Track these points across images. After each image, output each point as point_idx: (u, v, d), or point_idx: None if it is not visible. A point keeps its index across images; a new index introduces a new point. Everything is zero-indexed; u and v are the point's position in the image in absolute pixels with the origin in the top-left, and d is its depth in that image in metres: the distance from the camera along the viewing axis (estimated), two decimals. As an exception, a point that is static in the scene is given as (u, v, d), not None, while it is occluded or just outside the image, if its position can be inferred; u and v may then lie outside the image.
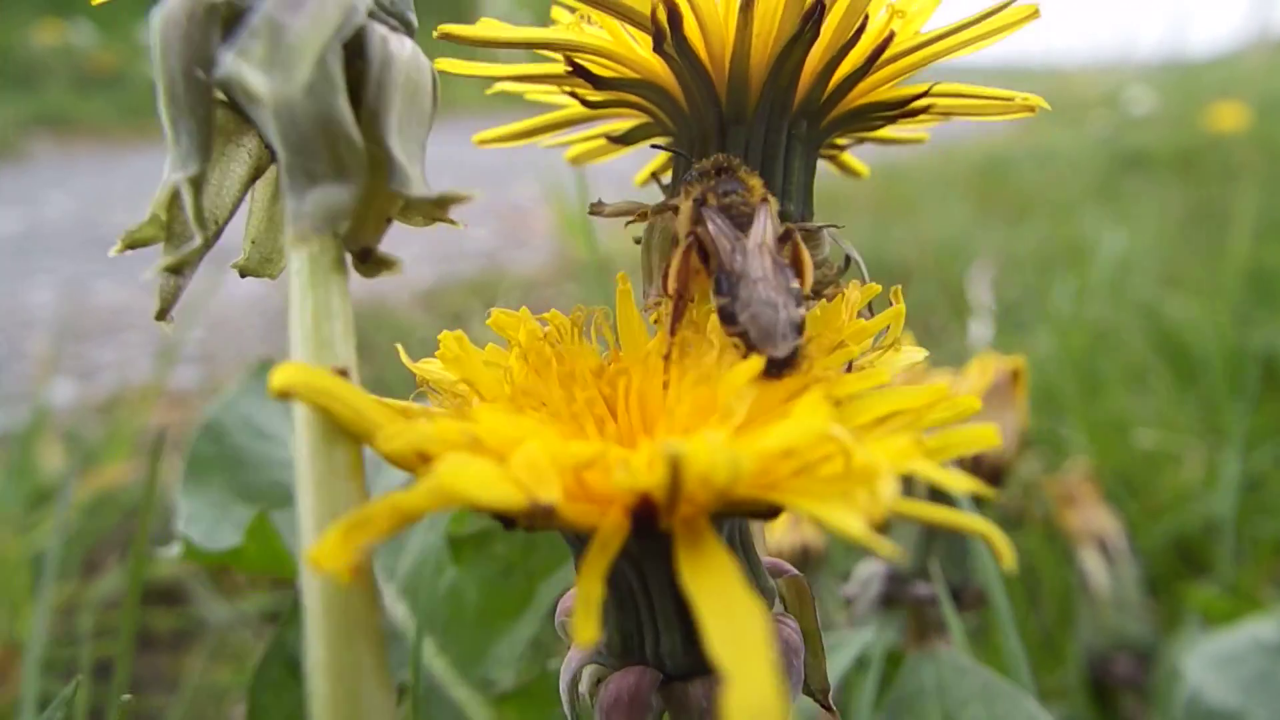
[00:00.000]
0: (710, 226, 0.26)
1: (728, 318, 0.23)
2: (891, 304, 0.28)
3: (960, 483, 0.18)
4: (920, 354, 0.26)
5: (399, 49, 0.22)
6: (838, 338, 0.24)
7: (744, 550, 0.24)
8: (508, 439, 0.19)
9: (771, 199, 0.27)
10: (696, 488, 0.17)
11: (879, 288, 0.26)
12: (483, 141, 0.34)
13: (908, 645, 0.64)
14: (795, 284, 0.24)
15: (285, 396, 0.19)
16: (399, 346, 0.27)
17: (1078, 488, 0.92)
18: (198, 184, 0.22)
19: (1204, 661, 0.59)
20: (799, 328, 0.23)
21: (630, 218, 0.30)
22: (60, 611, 1.03)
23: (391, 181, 0.21)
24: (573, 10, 0.28)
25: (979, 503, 0.54)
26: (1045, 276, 2.02)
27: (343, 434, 0.20)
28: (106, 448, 1.35)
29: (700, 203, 0.26)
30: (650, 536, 0.19)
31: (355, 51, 0.21)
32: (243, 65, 0.19)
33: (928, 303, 2.02)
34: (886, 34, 0.27)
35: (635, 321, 0.26)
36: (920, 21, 0.28)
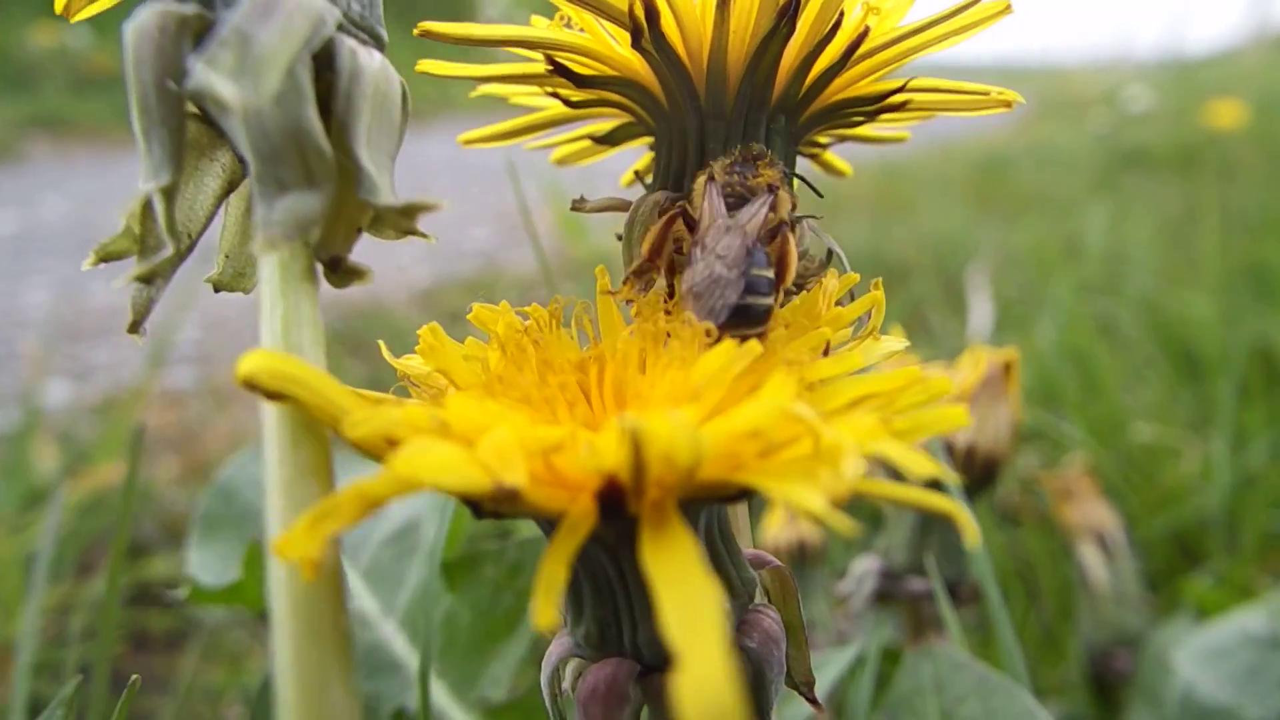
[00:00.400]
0: (705, 200, 0.26)
1: (684, 284, 0.24)
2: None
3: (924, 465, 0.18)
4: (901, 343, 0.27)
5: (368, 62, 0.22)
6: (815, 324, 0.24)
7: (723, 541, 0.24)
8: (476, 424, 0.19)
9: (784, 193, 0.27)
10: (660, 467, 0.17)
11: (857, 277, 0.27)
12: (468, 142, 0.34)
13: (905, 642, 0.64)
14: (768, 273, 0.24)
15: (250, 384, 0.19)
16: (381, 343, 0.28)
17: (1076, 482, 0.92)
18: (170, 194, 0.22)
19: (1194, 656, 0.59)
20: (762, 316, 0.24)
21: (615, 213, 0.30)
22: (54, 612, 1.04)
23: (360, 190, 0.21)
24: (553, 10, 0.28)
25: (971, 494, 0.54)
26: (1043, 273, 2.02)
27: (310, 433, 0.20)
28: (100, 448, 1.36)
29: (711, 178, 0.27)
30: (621, 521, 0.19)
31: (325, 63, 0.22)
32: (212, 74, 0.19)
33: (926, 300, 2.02)
34: (862, 29, 0.27)
35: (614, 314, 0.26)
36: (896, 17, 0.28)
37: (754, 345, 0.20)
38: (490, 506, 0.19)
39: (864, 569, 0.55)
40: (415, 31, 0.27)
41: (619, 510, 0.19)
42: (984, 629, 0.87)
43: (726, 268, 0.25)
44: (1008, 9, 0.27)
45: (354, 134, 0.21)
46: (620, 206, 0.30)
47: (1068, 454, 1.13)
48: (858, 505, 0.85)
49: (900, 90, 0.29)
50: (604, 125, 0.33)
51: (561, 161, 0.37)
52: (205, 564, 0.51)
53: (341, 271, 0.23)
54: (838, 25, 0.27)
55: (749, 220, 0.26)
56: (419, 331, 0.26)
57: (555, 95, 0.31)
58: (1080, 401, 1.29)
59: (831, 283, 0.26)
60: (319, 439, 0.20)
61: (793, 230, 0.28)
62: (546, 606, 0.16)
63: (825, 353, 0.23)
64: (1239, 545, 0.96)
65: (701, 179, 0.28)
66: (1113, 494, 1.02)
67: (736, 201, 0.27)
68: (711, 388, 0.20)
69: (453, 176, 3.82)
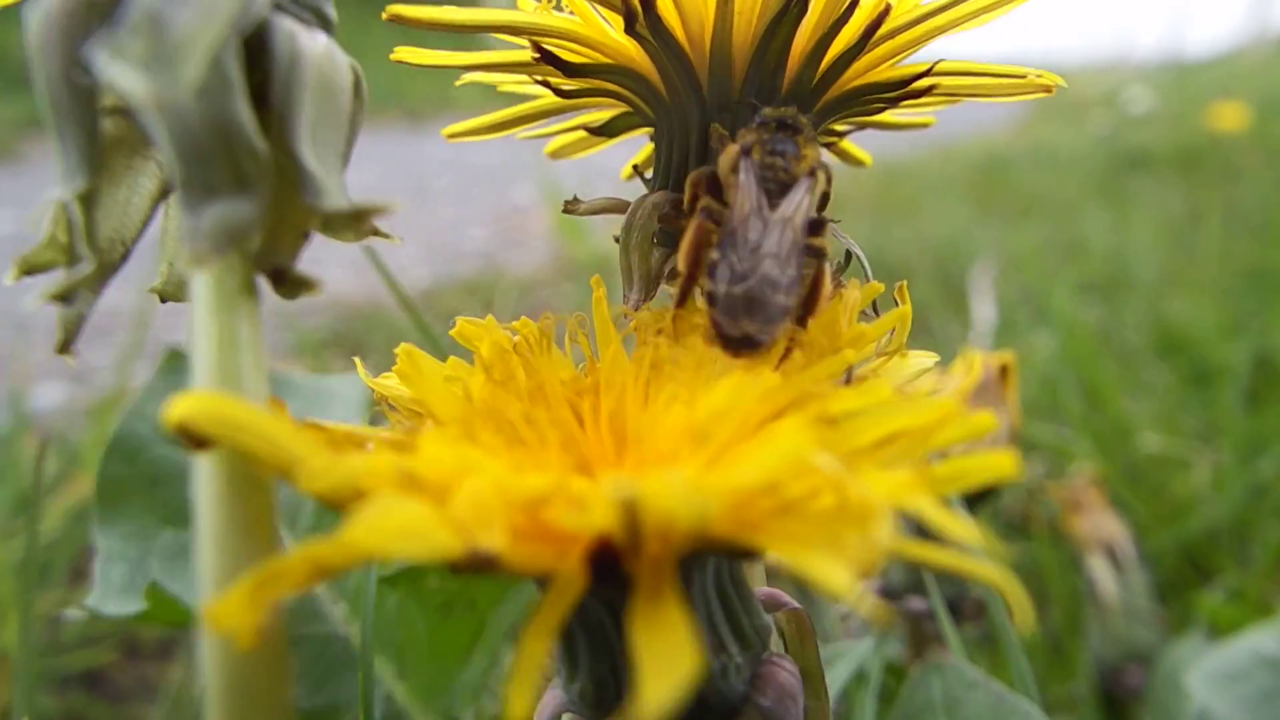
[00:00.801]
0: (740, 178, 0.24)
1: (718, 286, 0.22)
2: (896, 304, 0.25)
3: (966, 530, 0.15)
4: (931, 359, 0.24)
5: (309, 45, 0.19)
6: (836, 344, 0.22)
7: (734, 586, 0.21)
8: (452, 472, 0.16)
9: (822, 174, 0.25)
10: (659, 532, 0.14)
11: (881, 287, 0.24)
12: (456, 135, 0.31)
13: (908, 659, 0.62)
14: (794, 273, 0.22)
15: (186, 433, 0.16)
16: (356, 360, 0.25)
17: (1084, 493, 0.89)
18: (89, 201, 0.19)
19: (1207, 678, 0.56)
20: (783, 316, 0.22)
21: (611, 214, 0.27)
22: (45, 620, 1.01)
23: (303, 193, 0.18)
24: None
25: (971, 505, 0.51)
26: (1046, 277, 2.00)
27: (250, 480, 0.17)
28: (90, 452, 1.33)
29: (745, 152, 0.24)
30: (617, 580, 0.17)
31: (259, 49, 0.19)
32: (117, 66, 0.16)
33: (928, 303, 2.00)
34: (882, 7, 0.24)
35: (611, 332, 0.23)
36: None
37: (767, 378, 0.18)
38: (468, 570, 0.16)
39: (863, 586, 0.53)
40: (384, 16, 0.24)
41: (613, 570, 0.16)
42: (988, 643, 0.84)
43: (780, 268, 0.22)
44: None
45: (294, 129, 0.19)
46: (617, 208, 0.27)
47: (1073, 464, 1.11)
48: None
49: (926, 74, 0.26)
50: (601, 115, 0.31)
51: (557, 154, 0.34)
52: (114, 552, 0.40)
53: (287, 283, 0.20)
54: (854, 3, 0.24)
55: (795, 212, 0.23)
56: (396, 350, 0.23)
57: (546, 84, 0.28)
58: (1084, 410, 1.26)
59: (853, 295, 0.23)
60: (260, 487, 0.17)
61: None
62: (520, 695, 0.13)
63: (848, 379, 0.20)
64: (1250, 558, 0.93)
65: (732, 153, 0.24)
66: (1120, 505, 0.99)
67: (778, 189, 0.24)
68: (719, 428, 0.17)
69: (452, 177, 3.79)
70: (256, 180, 0.18)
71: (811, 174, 0.24)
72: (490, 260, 2.81)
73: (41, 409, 1.53)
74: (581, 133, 0.32)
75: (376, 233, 0.22)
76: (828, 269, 0.24)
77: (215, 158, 0.18)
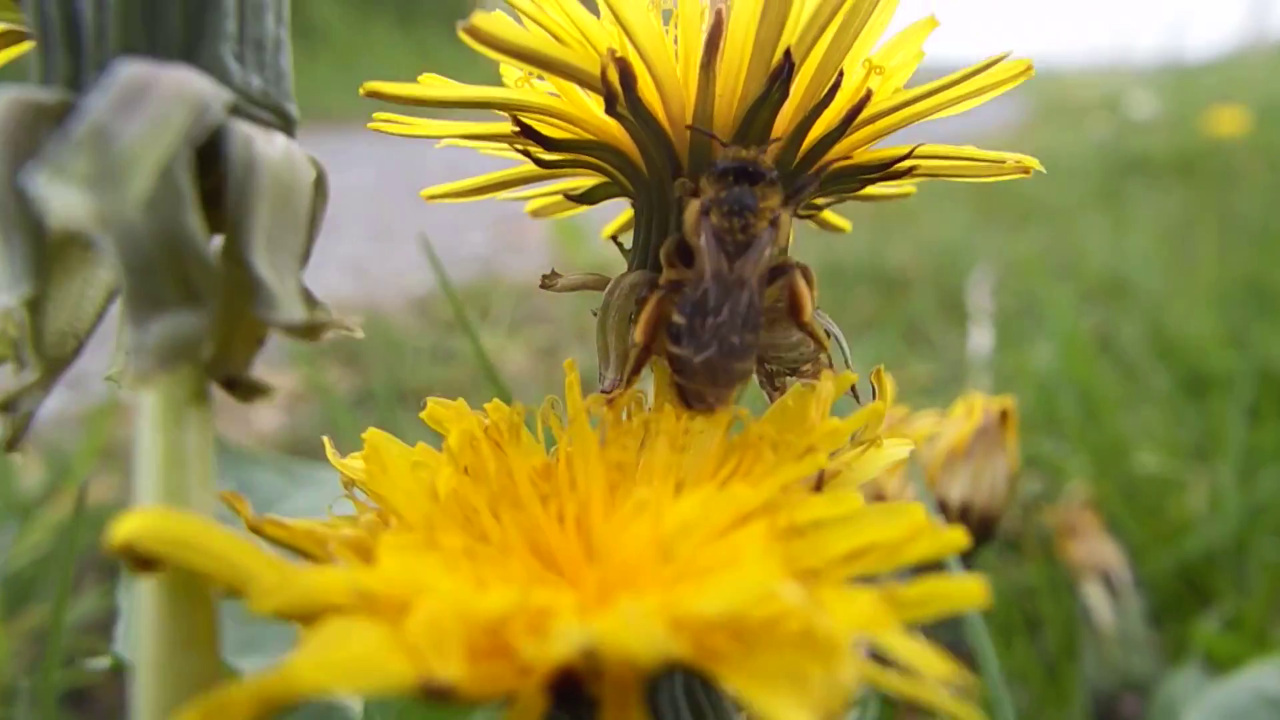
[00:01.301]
0: (701, 240, 0.24)
1: (682, 351, 0.23)
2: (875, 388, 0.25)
3: (938, 665, 0.15)
4: (905, 449, 0.24)
5: (266, 151, 0.19)
6: (806, 441, 0.21)
7: (703, 689, 0.21)
8: (410, 588, 0.16)
9: (785, 216, 0.25)
10: (619, 667, 0.14)
11: (855, 377, 0.24)
12: (432, 198, 0.31)
13: (899, 715, 0.61)
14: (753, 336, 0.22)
15: (130, 552, 0.16)
16: (326, 440, 0.25)
17: (1079, 517, 0.89)
18: (37, 305, 0.19)
19: (1208, 717, 0.56)
20: (743, 379, 0.23)
21: (591, 291, 0.27)
22: (35, 636, 1.01)
23: (255, 306, 0.18)
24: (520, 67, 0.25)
25: (967, 553, 0.51)
26: (1045, 285, 2.00)
27: (192, 593, 0.17)
28: (84, 461, 1.33)
29: (705, 212, 0.24)
30: (581, 703, 0.16)
31: (215, 154, 0.18)
32: (58, 186, 0.16)
33: (926, 312, 2.00)
34: (863, 94, 0.24)
35: (583, 421, 0.23)
36: (901, 77, 0.25)
37: (736, 493, 0.17)
38: (424, 697, 0.16)
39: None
40: (361, 91, 0.24)
41: (577, 691, 0.16)
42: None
43: (739, 334, 0.23)
44: (1029, 71, 0.24)
45: (248, 239, 0.18)
46: (596, 285, 0.27)
47: (1069, 480, 1.11)
48: None
49: (907, 157, 0.26)
50: (582, 182, 0.30)
51: (537, 214, 0.34)
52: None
53: (241, 390, 0.19)
54: (836, 87, 0.24)
55: (752, 268, 0.23)
56: (364, 436, 0.23)
57: (526, 154, 0.28)
58: (1082, 424, 1.26)
59: (826, 387, 0.23)
60: (202, 604, 0.17)
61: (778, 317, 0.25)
62: None
63: (820, 485, 0.20)
64: (1249, 581, 0.93)
65: (692, 216, 0.25)
66: (1116, 526, 0.99)
67: (737, 249, 0.24)
68: (685, 545, 0.17)
69: (451, 180, 3.79)
70: (207, 292, 0.18)
71: (773, 224, 0.24)
72: (488, 265, 2.81)
73: (39, 417, 1.53)
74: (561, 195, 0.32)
75: (343, 326, 0.22)
76: (799, 277, 0.24)
77: (164, 271, 0.17)
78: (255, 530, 0.21)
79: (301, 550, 0.20)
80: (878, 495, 0.52)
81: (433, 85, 0.24)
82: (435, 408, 0.24)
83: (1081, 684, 0.81)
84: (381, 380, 1.74)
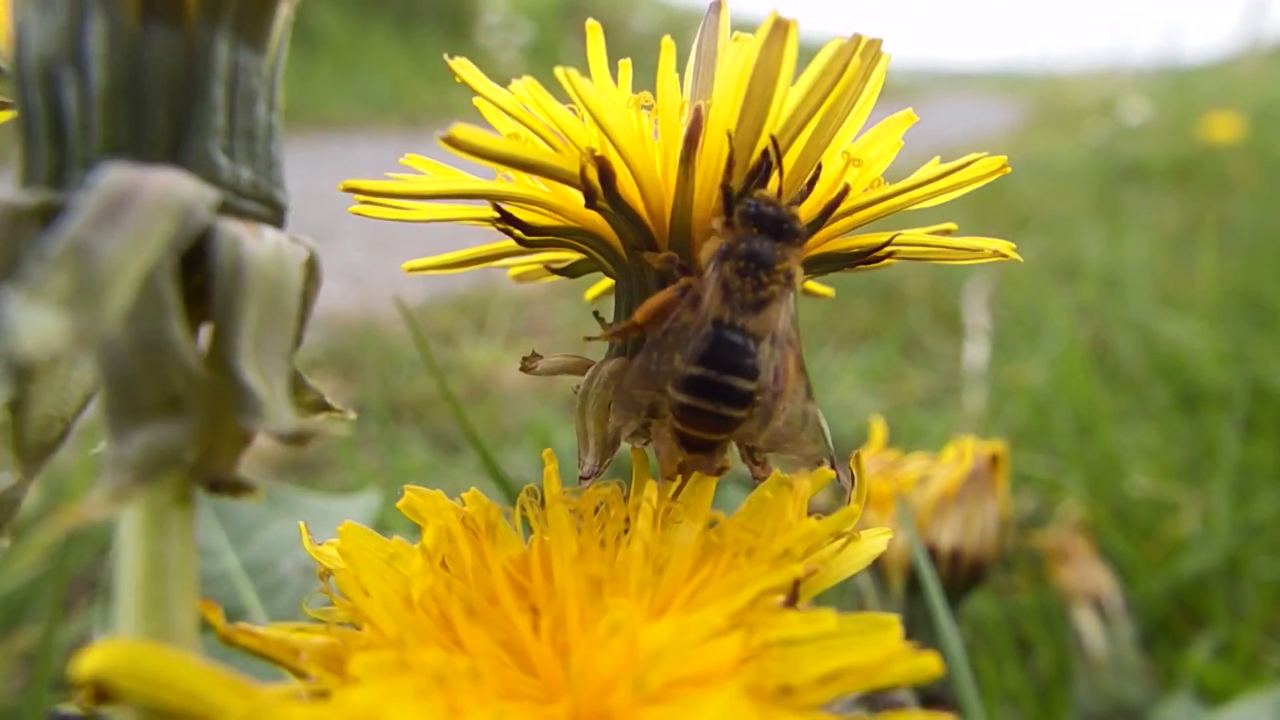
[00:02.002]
0: (709, 276, 0.24)
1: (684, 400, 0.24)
2: (850, 476, 0.25)
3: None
4: (883, 542, 0.24)
5: (254, 250, 0.18)
6: (783, 543, 0.22)
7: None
8: (378, 716, 0.16)
9: (797, 277, 0.25)
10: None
11: (833, 474, 0.24)
12: (413, 269, 0.31)
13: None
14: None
15: (98, 686, 0.16)
16: (302, 526, 0.25)
17: (1071, 542, 0.89)
18: (19, 407, 0.19)
19: (1200, 753, 0.56)
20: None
21: (570, 374, 0.27)
22: (24, 659, 1.00)
23: (241, 412, 0.18)
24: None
25: (957, 597, 0.51)
26: (1040, 298, 2.00)
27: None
28: (80, 479, 1.32)
29: (723, 255, 0.24)
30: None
31: (201, 256, 0.18)
32: (33, 310, 0.15)
33: (923, 322, 2.00)
34: (840, 188, 0.24)
35: (564, 516, 0.23)
36: (879, 168, 0.26)
37: (710, 617, 0.18)
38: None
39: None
40: (339, 187, 0.24)
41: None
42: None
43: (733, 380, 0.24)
44: (1004, 168, 0.24)
45: (235, 344, 0.18)
46: (577, 368, 0.27)
47: (1063, 499, 1.11)
48: (835, 605, 0.83)
49: (886, 244, 0.26)
50: (564, 255, 0.30)
51: (519, 279, 0.34)
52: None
53: (227, 490, 0.19)
54: (814, 180, 0.24)
55: (762, 327, 0.24)
56: (340, 529, 0.23)
57: (508, 233, 0.28)
58: (1076, 440, 1.26)
59: (803, 486, 0.23)
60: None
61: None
62: None
63: (794, 599, 0.20)
64: (1242, 605, 0.93)
65: (709, 251, 0.25)
66: (1109, 548, 0.99)
67: (743, 306, 0.24)
68: (656, 674, 0.17)
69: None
70: (191, 400, 0.18)
71: (788, 283, 0.24)
72: (485, 275, 2.80)
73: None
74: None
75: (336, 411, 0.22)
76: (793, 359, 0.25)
77: (145, 382, 0.17)
78: (228, 641, 0.21)
79: (274, 659, 0.20)
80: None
81: (412, 181, 0.24)
82: (412, 497, 0.24)
83: (1073, 710, 0.81)
84: (377, 392, 1.74)
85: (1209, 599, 0.94)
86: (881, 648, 0.18)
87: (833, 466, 0.27)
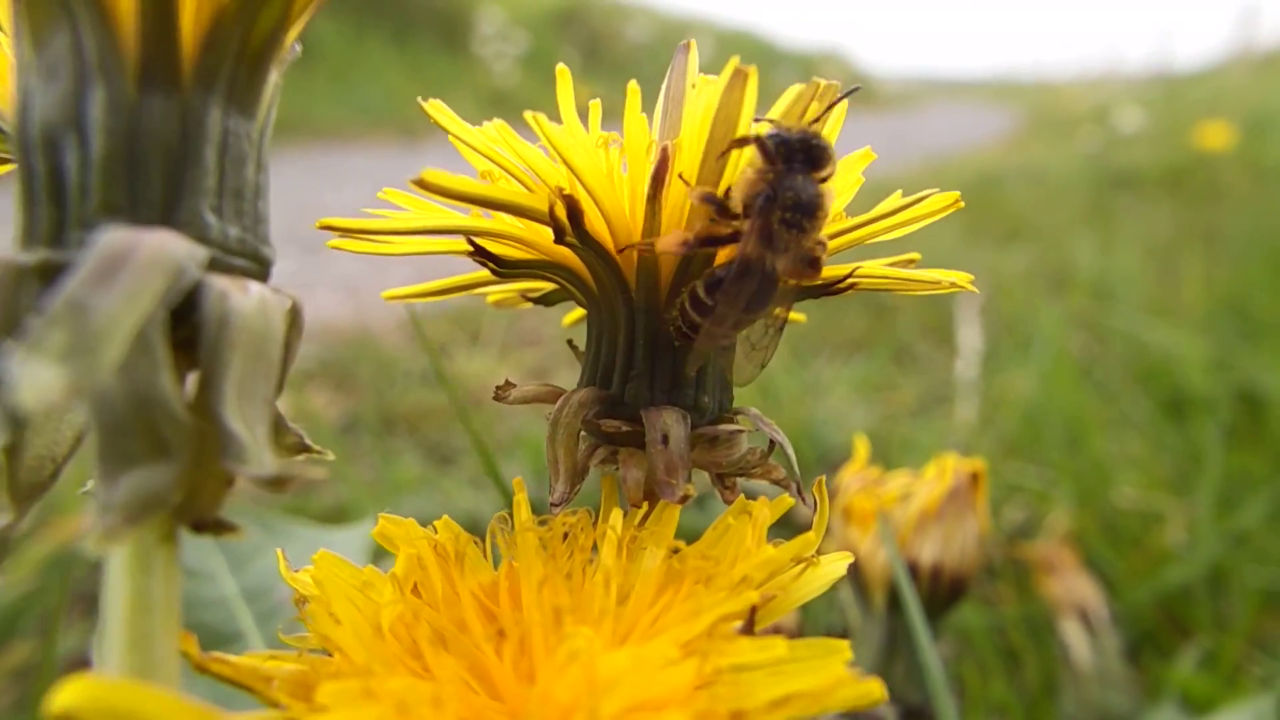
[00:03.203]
0: (752, 226, 0.25)
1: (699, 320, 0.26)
2: (822, 495, 0.26)
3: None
4: (843, 566, 0.24)
5: (241, 303, 0.19)
6: (741, 570, 0.22)
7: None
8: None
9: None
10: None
11: (792, 501, 0.25)
12: (392, 297, 0.32)
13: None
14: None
15: None
16: (279, 551, 0.26)
17: (1057, 554, 0.90)
18: (13, 450, 0.20)
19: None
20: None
21: (543, 403, 0.28)
22: (16, 675, 1.01)
23: (224, 457, 0.19)
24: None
25: (937, 613, 0.52)
26: (1032, 305, 2.01)
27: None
28: (72, 494, 1.33)
29: (768, 199, 0.25)
30: None
31: (190, 309, 0.19)
32: (32, 365, 0.16)
33: (915, 331, 2.01)
34: (802, 224, 0.25)
35: (531, 544, 0.24)
36: (841, 203, 0.26)
37: (665, 648, 0.18)
38: None
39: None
40: (317, 225, 0.25)
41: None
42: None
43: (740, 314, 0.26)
44: (956, 203, 0.25)
45: (220, 392, 0.19)
46: (548, 397, 0.27)
47: (1052, 509, 1.12)
48: (821, 621, 0.84)
49: (848, 277, 0.27)
50: (540, 285, 0.31)
51: (498, 305, 0.35)
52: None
53: (209, 530, 0.20)
54: (777, 216, 0.25)
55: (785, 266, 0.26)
56: (314, 558, 0.24)
57: (483, 264, 0.29)
58: (1065, 451, 1.27)
59: (763, 513, 0.24)
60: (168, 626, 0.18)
61: (721, 435, 0.26)
62: None
63: (750, 625, 0.21)
64: (1228, 613, 0.94)
65: (747, 185, 0.25)
66: (1097, 558, 1.00)
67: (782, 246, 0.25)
68: (611, 702, 0.18)
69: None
70: (177, 446, 0.18)
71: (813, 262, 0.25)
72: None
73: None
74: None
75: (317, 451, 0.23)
76: None
77: (135, 429, 0.18)
78: (201, 669, 0.21)
79: (247, 687, 0.21)
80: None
81: (387, 218, 0.25)
82: (386, 525, 0.25)
83: (1060, 720, 0.82)
84: (370, 406, 1.74)
85: (1196, 609, 0.95)
86: (830, 673, 0.19)
87: (799, 491, 0.28)
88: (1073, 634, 0.83)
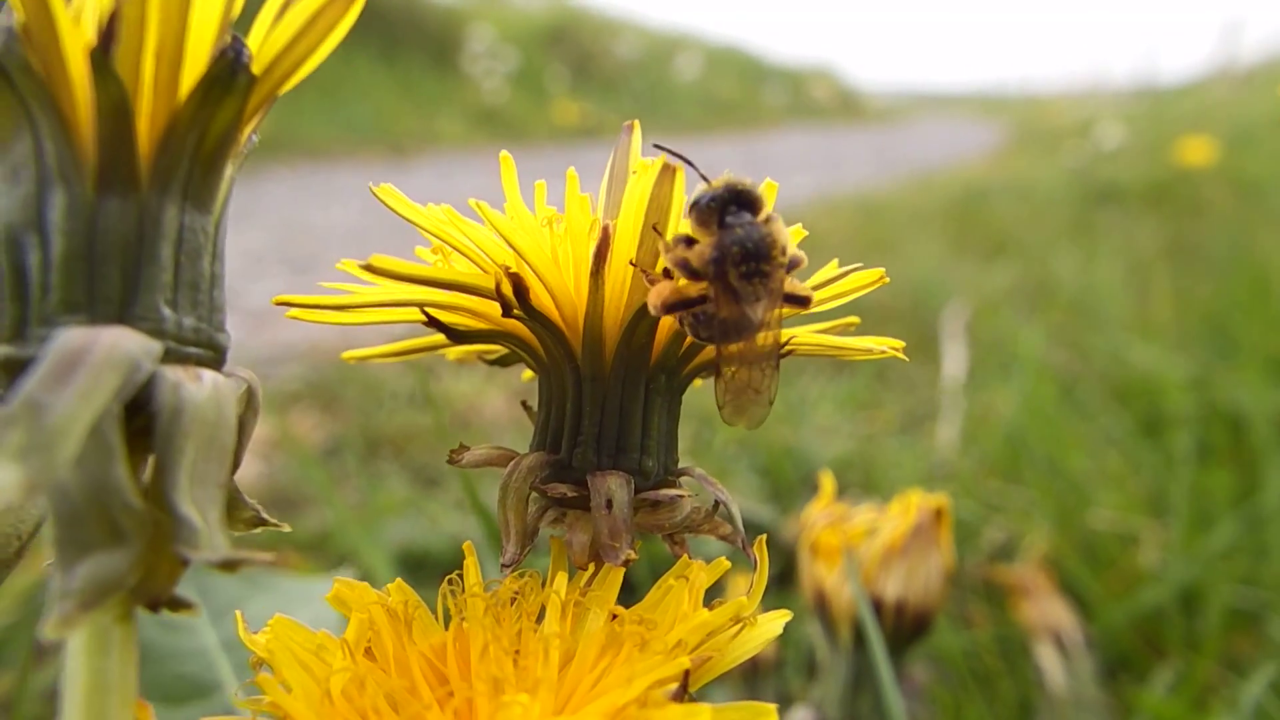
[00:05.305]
0: (712, 289, 0.26)
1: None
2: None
3: None
4: (779, 625, 0.26)
5: (193, 394, 0.20)
6: (677, 634, 0.23)
7: None
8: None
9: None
10: None
11: (728, 564, 0.26)
12: (356, 359, 0.33)
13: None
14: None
15: None
16: (238, 615, 0.27)
17: (1032, 578, 0.91)
18: None
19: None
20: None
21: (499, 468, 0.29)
22: (1, 705, 1.01)
23: (177, 542, 0.20)
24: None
25: (902, 648, 0.53)
26: (1015, 322, 2.03)
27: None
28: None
29: (717, 260, 0.25)
30: None
31: (145, 400, 0.20)
32: None
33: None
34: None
35: (479, 607, 0.25)
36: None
37: (592, 716, 0.19)
38: None
39: (799, 719, 0.54)
40: (274, 301, 0.26)
41: None
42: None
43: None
44: (882, 279, 0.27)
45: (173, 479, 0.20)
46: (500, 461, 0.29)
47: (1031, 530, 1.13)
48: (795, 654, 0.85)
49: (785, 344, 0.28)
50: (496, 348, 0.32)
51: (460, 361, 0.36)
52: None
53: (165, 607, 0.21)
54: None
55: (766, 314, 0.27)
56: (270, 622, 0.25)
57: (438, 330, 0.30)
58: (1044, 470, 1.28)
59: (700, 577, 0.25)
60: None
61: (661, 500, 0.27)
62: None
63: (684, 688, 0.22)
64: (1201, 634, 0.95)
65: (700, 256, 0.26)
66: (1072, 580, 1.01)
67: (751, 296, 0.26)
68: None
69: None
70: (132, 533, 0.20)
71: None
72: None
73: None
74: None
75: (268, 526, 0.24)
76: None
77: (91, 518, 0.19)
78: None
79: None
80: (818, 592, 0.54)
81: (343, 294, 0.26)
82: (340, 588, 0.26)
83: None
84: (357, 428, 1.75)
85: (1170, 630, 0.96)
86: (753, 742, 0.20)
87: (744, 548, 0.29)
88: (1048, 658, 0.84)
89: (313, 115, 5.36)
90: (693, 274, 0.25)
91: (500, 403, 2.00)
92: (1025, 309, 2.27)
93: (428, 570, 1.14)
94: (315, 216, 3.77)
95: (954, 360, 1.80)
